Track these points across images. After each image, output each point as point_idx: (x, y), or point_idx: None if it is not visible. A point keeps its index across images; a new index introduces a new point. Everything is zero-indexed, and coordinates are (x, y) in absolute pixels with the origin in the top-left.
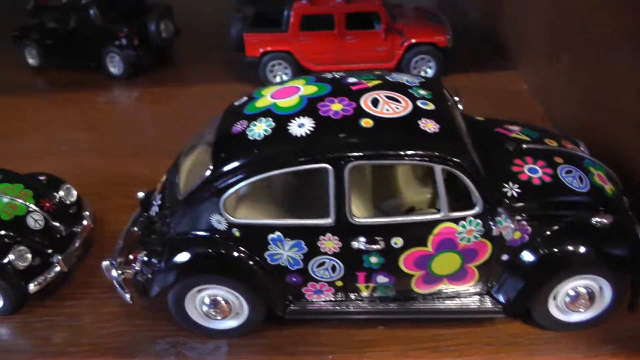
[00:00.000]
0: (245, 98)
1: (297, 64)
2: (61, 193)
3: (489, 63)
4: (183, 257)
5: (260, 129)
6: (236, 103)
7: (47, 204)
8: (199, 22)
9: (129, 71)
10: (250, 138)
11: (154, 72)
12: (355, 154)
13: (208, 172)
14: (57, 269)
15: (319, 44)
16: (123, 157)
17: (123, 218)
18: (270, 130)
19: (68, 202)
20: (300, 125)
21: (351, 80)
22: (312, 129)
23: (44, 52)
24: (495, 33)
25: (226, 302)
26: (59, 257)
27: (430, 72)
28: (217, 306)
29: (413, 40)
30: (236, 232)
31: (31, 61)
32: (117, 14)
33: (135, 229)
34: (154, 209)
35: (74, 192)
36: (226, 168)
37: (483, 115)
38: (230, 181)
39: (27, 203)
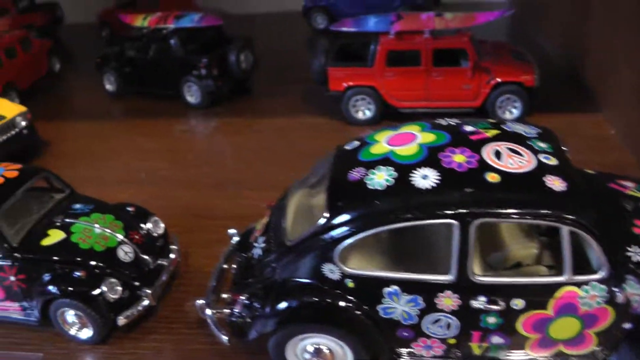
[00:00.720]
0: (356, 142)
1: (381, 100)
2: (149, 225)
3: (572, 104)
4: (289, 304)
5: (381, 178)
6: (347, 147)
7: (137, 237)
8: (274, 54)
9: (206, 101)
10: (370, 187)
11: (232, 102)
12: (484, 210)
13: (323, 220)
14: (146, 302)
15: (405, 80)
16: (204, 188)
17: (207, 252)
18: (392, 181)
19: (155, 234)
20: (424, 177)
21: (468, 129)
22: (437, 181)
23: (121, 79)
24: (577, 72)
25: (330, 351)
26: (149, 291)
27: (515, 113)
28: (320, 355)
29: (499, 80)
30: (349, 283)
31: (109, 87)
32: (197, 45)
33: (225, 266)
34: (256, 252)
35: (162, 225)
36: (344, 218)
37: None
38: (348, 232)
39: (118, 235)
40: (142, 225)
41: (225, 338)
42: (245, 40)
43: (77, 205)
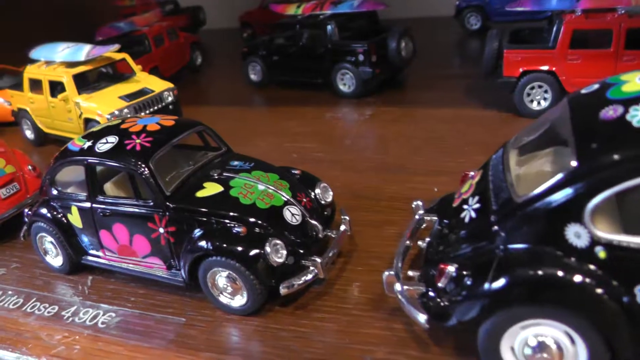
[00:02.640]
0: (595, 86)
1: (559, 87)
2: (317, 191)
3: None
4: (514, 277)
5: None
6: (584, 91)
7: (304, 200)
8: (424, 54)
9: (360, 90)
10: (636, 125)
11: (382, 93)
12: None
13: (570, 168)
14: (313, 274)
15: (590, 64)
16: (366, 171)
17: (374, 232)
18: None
19: (324, 202)
20: None
21: None
22: None
23: (267, 68)
24: None
25: (558, 347)
26: (319, 261)
27: None
28: (545, 351)
29: None
30: (601, 253)
31: (253, 77)
32: (351, 32)
33: (408, 242)
34: (468, 214)
35: (330, 193)
36: (601, 163)
37: None
38: (606, 181)
39: (284, 194)
40: (310, 190)
41: (423, 318)
42: (405, 28)
43: (236, 162)
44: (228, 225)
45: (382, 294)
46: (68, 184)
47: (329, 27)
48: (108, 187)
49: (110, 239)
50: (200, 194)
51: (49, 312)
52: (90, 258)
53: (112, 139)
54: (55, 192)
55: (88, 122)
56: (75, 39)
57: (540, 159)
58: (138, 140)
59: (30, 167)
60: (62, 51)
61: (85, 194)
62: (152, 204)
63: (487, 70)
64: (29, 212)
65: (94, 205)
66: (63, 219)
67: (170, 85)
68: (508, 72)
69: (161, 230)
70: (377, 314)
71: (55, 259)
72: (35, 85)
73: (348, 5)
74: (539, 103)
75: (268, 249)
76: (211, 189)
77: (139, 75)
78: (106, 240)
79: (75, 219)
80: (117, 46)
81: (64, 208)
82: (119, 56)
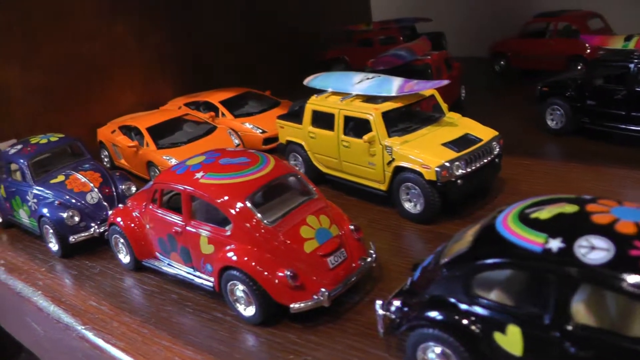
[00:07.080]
0: None
1: None
2: None
3: None
4: None
5: None
6: None
7: None
8: None
9: None
10: None
11: None
12: None
13: None
14: None
15: None
16: None
17: None
18: None
19: None
20: None
21: None
22: None
23: (574, 114)
24: None
25: None
26: None
27: None
28: None
29: None
30: None
31: (551, 123)
32: None
33: None
34: None
35: None
36: None
37: None
38: None
39: None
40: None
41: None
42: None
43: None
44: None
45: None
46: (484, 285)
47: None
48: (579, 309)
49: None
50: None
51: None
52: None
53: (603, 244)
54: (473, 298)
55: (399, 171)
56: (305, 65)
57: None
58: None
59: (352, 227)
60: (360, 83)
61: (547, 315)
62: None
63: None
64: (404, 308)
65: (558, 334)
66: (481, 334)
67: (495, 132)
68: None
69: None
70: None
71: None
72: (322, 118)
73: None
74: None
75: None
76: None
77: (450, 117)
78: None
79: (511, 343)
80: (447, 81)
81: (488, 322)
82: (427, 92)
